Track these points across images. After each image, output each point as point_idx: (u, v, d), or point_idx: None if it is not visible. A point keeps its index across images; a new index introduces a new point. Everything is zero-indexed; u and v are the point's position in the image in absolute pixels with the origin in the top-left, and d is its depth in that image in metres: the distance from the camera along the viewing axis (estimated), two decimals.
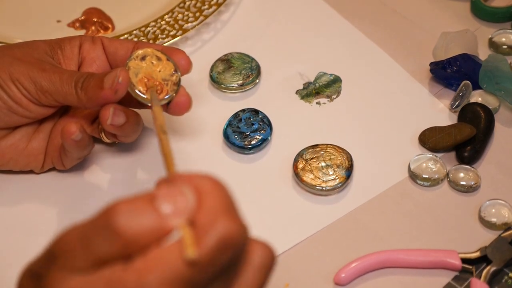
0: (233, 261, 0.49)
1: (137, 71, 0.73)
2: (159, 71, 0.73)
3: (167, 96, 0.73)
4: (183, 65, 0.75)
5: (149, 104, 0.73)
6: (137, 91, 0.72)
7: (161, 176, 0.53)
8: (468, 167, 0.79)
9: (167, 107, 0.74)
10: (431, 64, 0.86)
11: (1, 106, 0.73)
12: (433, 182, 0.79)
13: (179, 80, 0.74)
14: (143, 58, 0.73)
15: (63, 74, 0.72)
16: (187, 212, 0.49)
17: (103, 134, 0.76)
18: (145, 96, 0.72)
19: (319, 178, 0.78)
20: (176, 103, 0.74)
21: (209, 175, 0.50)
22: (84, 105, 0.72)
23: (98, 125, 0.76)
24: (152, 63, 0.73)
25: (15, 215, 0.77)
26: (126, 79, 0.71)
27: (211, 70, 0.87)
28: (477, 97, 0.84)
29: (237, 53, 0.88)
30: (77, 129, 0.71)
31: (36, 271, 0.50)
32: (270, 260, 0.51)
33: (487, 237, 0.75)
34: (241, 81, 0.86)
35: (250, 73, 0.86)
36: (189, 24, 0.89)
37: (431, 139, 0.81)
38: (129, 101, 0.74)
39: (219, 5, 0.91)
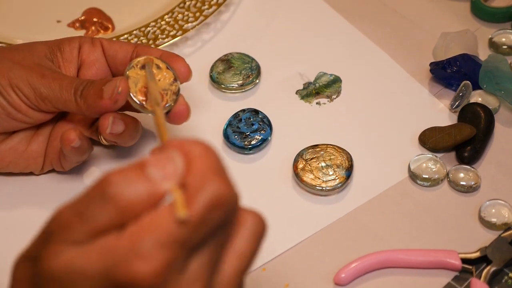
0: (224, 222, 0.51)
1: (137, 80, 0.72)
2: (159, 80, 0.73)
3: (166, 105, 0.73)
4: (182, 73, 0.75)
5: (149, 114, 0.73)
6: (136, 100, 0.72)
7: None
8: (468, 167, 0.79)
9: (166, 116, 0.74)
10: (431, 64, 0.86)
11: (0, 112, 0.73)
12: (433, 182, 0.79)
13: (178, 89, 0.74)
14: (143, 67, 0.73)
15: (62, 80, 0.72)
16: (176, 176, 0.50)
17: (101, 137, 0.76)
18: (144, 105, 0.72)
19: (319, 178, 0.78)
20: (175, 113, 0.74)
21: (198, 140, 0.52)
22: (83, 113, 0.73)
23: (97, 128, 0.76)
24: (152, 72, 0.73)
25: (14, 217, 0.77)
26: (126, 90, 0.71)
27: (211, 70, 0.87)
28: (477, 97, 0.84)
29: (237, 53, 0.88)
30: (76, 136, 0.72)
31: (32, 254, 0.51)
32: (262, 228, 0.53)
33: (487, 237, 0.75)
34: (241, 81, 0.86)
35: (250, 73, 0.86)
36: (189, 24, 0.89)
37: (431, 139, 0.81)
38: (128, 107, 0.74)
39: (219, 5, 0.91)
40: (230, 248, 0.52)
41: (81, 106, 0.72)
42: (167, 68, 0.74)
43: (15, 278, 0.52)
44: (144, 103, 0.72)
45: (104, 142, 0.77)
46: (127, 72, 0.73)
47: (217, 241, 0.51)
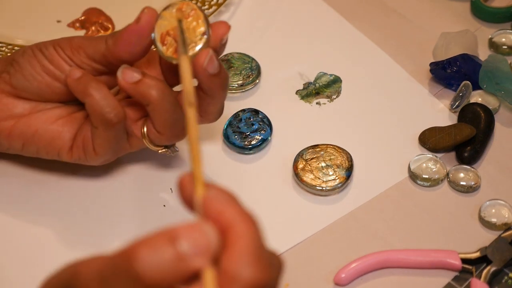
0: None
1: (166, 24, 0.70)
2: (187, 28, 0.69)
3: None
4: (220, 34, 0.70)
5: (173, 62, 0.69)
6: (156, 40, 0.69)
7: (183, 174, 0.51)
8: (468, 167, 0.79)
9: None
10: (431, 64, 0.86)
11: (35, 65, 0.72)
12: (433, 182, 0.79)
13: (205, 43, 0.69)
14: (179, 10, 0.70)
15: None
16: (209, 253, 0.48)
17: (147, 140, 0.73)
18: (161, 49, 0.69)
19: (319, 178, 0.78)
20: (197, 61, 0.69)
21: (243, 210, 0.49)
22: (111, 50, 0.71)
23: (143, 125, 0.73)
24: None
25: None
26: (151, 12, 0.69)
27: None
28: (477, 97, 0.84)
29: (237, 53, 0.88)
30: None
31: None
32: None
33: (487, 237, 0.75)
34: (241, 81, 0.86)
35: (250, 73, 0.86)
36: None
37: (431, 139, 0.81)
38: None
39: (219, 5, 0.91)
40: None
41: (109, 43, 0.71)
42: (204, 19, 0.69)
43: None
44: (161, 48, 0.69)
45: (150, 146, 0.73)
46: (162, 12, 0.70)
47: None
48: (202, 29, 0.69)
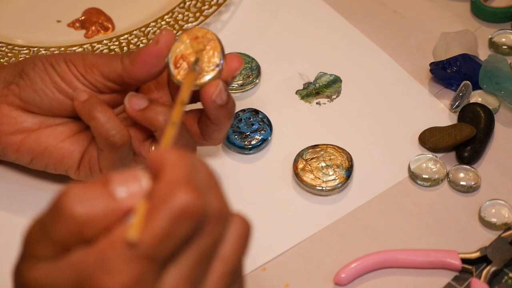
0: (195, 232, 0.49)
1: (183, 48, 0.70)
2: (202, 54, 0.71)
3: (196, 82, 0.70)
4: (233, 68, 0.72)
5: (177, 82, 0.70)
6: (170, 64, 0.70)
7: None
8: (468, 167, 0.79)
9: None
10: (431, 64, 0.86)
11: (46, 81, 0.72)
12: (433, 182, 0.79)
13: (216, 75, 0.70)
14: (196, 38, 0.71)
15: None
16: (140, 194, 0.49)
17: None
18: (172, 72, 0.70)
19: (319, 178, 0.78)
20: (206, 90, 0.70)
21: (177, 149, 0.51)
22: (128, 70, 0.71)
23: (150, 146, 0.73)
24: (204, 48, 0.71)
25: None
26: (169, 34, 0.70)
27: None
28: (477, 97, 0.84)
29: (237, 53, 0.88)
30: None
31: (15, 265, 0.51)
32: (246, 229, 0.52)
33: (487, 237, 0.75)
34: (241, 81, 0.86)
35: (250, 73, 0.86)
36: (189, 25, 0.89)
37: (431, 139, 0.81)
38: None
39: (219, 5, 0.91)
40: (217, 254, 0.51)
41: (125, 63, 0.70)
42: (221, 51, 0.71)
43: (13, 286, 0.52)
44: (173, 71, 0.70)
45: None
46: (181, 35, 0.70)
47: (194, 251, 0.50)
48: (216, 60, 0.70)
